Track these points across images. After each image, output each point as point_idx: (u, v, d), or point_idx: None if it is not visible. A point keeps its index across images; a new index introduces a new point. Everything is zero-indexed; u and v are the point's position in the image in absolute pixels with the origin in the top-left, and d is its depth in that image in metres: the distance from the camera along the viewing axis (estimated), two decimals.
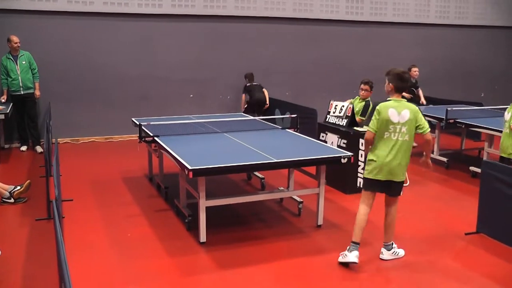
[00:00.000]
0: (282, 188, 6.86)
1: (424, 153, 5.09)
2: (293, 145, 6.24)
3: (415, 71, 10.35)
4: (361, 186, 5.12)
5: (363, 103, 7.39)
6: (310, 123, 8.50)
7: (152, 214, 6.23)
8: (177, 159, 5.24)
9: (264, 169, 6.06)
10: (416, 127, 4.76)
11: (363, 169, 7.09)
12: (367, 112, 7.32)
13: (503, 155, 5.90)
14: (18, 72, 9.21)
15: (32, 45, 9.63)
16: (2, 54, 9.27)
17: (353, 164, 6.35)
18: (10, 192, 6.48)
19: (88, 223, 5.89)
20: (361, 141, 6.86)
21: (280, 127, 7.29)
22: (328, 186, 6.77)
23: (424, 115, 9.00)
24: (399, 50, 13.04)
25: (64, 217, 5.86)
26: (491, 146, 7.97)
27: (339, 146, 7.11)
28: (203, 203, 5.17)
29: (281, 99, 10.71)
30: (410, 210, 6.55)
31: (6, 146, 9.85)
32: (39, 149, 9.50)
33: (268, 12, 11.55)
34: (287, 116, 8.04)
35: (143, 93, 10.80)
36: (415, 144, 10.28)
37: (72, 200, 6.62)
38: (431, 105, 10.28)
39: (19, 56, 9.25)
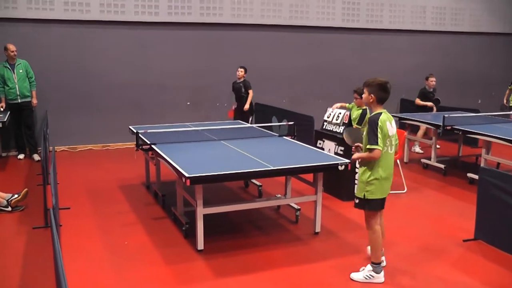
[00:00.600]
0: (279, 195, 6.86)
1: (363, 156, 4.61)
2: (290, 152, 6.24)
3: (432, 80, 10.39)
4: (365, 200, 4.61)
5: (360, 111, 7.34)
6: (307, 130, 8.51)
7: (150, 222, 6.22)
8: (174, 167, 5.24)
9: (261, 176, 6.07)
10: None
11: None
12: (364, 120, 7.29)
13: None
14: (15, 81, 9.21)
15: (29, 53, 9.64)
16: None
17: (350, 171, 6.34)
18: (7, 201, 6.47)
19: (85, 231, 5.88)
20: None
21: (277, 135, 7.29)
22: (325, 193, 6.77)
23: (423, 122, 9.14)
24: (395, 57, 13.09)
25: (61, 225, 5.85)
26: (489, 152, 7.98)
27: (336, 153, 7.11)
28: (201, 211, 5.16)
29: (278, 106, 10.71)
30: (408, 217, 6.56)
31: (4, 154, 9.84)
32: (36, 157, 9.49)
33: (264, 19, 11.58)
34: (284, 123, 8.04)
35: (140, 101, 10.81)
36: (421, 151, 10.42)
37: (69, 208, 6.61)
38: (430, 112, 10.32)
39: (16, 64, 9.25)
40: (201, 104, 11.29)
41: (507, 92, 12.08)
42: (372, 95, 4.58)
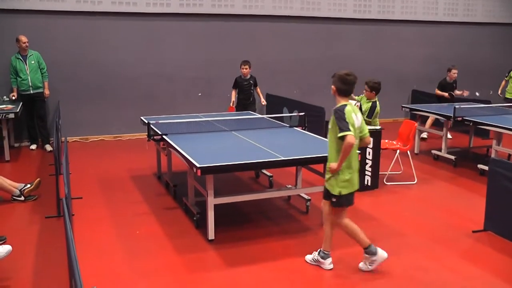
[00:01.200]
0: (290, 186, 6.88)
1: (340, 157, 4.46)
2: (301, 143, 6.26)
3: (454, 72, 10.34)
4: (340, 197, 4.56)
5: (370, 104, 7.29)
6: (317, 121, 8.51)
7: (161, 212, 6.27)
8: (185, 157, 5.27)
9: (272, 167, 6.08)
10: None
11: (370, 166, 7.12)
12: (373, 113, 7.26)
13: None
14: (28, 72, 9.28)
15: (41, 44, 9.71)
16: (11, 54, 9.34)
17: (360, 162, 6.33)
18: (20, 190, 6.55)
19: (97, 220, 5.94)
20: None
21: (288, 125, 7.31)
22: None
23: (433, 113, 9.11)
24: (407, 48, 13.03)
25: (73, 215, 5.92)
26: (499, 144, 7.94)
27: None
28: (212, 201, 5.19)
29: (289, 97, 10.71)
30: (418, 208, 6.56)
31: (16, 144, 9.93)
32: (48, 147, 9.58)
33: (276, 10, 11.56)
34: (295, 114, 8.05)
35: (152, 92, 10.86)
36: (425, 136, 10.39)
37: (81, 198, 6.68)
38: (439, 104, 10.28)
39: (28, 56, 9.32)
40: (213, 95, 11.32)
41: (503, 83, 11.82)
42: (333, 86, 4.65)
